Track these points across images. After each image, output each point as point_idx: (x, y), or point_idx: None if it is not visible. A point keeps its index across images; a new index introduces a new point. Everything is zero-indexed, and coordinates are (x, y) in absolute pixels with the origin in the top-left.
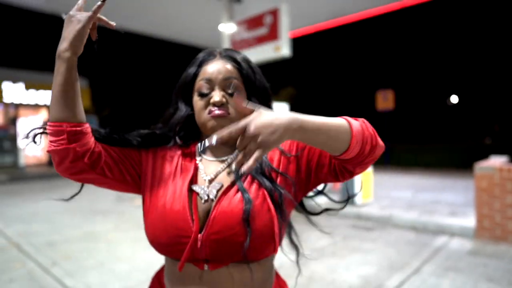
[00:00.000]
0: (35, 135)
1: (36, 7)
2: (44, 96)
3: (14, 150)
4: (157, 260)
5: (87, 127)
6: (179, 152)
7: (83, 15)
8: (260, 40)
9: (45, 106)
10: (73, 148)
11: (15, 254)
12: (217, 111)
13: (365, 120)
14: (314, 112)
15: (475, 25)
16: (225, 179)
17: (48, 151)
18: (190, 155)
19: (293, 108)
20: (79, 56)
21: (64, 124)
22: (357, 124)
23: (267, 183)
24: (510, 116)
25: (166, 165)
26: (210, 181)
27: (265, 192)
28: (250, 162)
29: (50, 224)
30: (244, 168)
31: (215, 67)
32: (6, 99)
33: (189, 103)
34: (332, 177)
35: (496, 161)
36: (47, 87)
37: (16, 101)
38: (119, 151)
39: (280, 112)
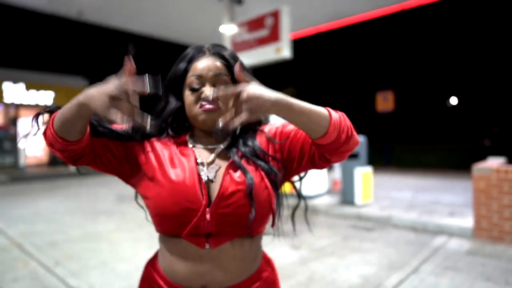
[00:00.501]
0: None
1: (37, 7)
2: (44, 97)
3: (14, 150)
4: None
5: (87, 135)
6: (172, 141)
7: (126, 88)
8: (261, 41)
9: (45, 106)
10: (74, 150)
11: (17, 254)
12: (207, 106)
13: (344, 114)
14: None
15: (475, 27)
16: (221, 163)
17: (47, 145)
18: (183, 144)
19: None
20: (78, 57)
21: (69, 142)
22: (336, 114)
23: (263, 164)
24: (510, 118)
25: (165, 150)
26: (209, 164)
27: (262, 173)
28: (236, 121)
29: (52, 224)
30: (231, 124)
31: (205, 64)
32: (7, 99)
33: (179, 97)
34: (310, 165)
35: (494, 162)
36: (47, 87)
37: (17, 102)
38: (119, 144)
39: (272, 91)
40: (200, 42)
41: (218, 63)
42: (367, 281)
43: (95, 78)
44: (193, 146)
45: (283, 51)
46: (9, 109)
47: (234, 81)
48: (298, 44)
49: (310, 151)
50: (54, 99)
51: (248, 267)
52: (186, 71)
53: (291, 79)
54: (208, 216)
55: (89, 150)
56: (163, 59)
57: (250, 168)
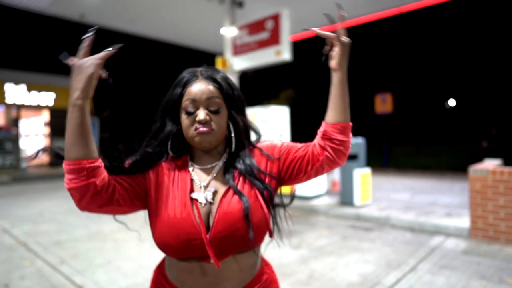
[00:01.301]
0: (38, 152)
1: (38, 9)
2: (45, 98)
3: (16, 151)
4: None
5: (101, 161)
6: (173, 165)
7: (91, 63)
8: (262, 44)
9: (46, 107)
10: (93, 183)
11: (23, 253)
12: (201, 129)
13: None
14: (314, 114)
15: (473, 30)
16: (217, 184)
17: (68, 189)
18: (183, 166)
19: (293, 110)
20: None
21: (83, 161)
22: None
23: (258, 183)
24: (508, 119)
25: (165, 179)
26: (205, 187)
27: (257, 192)
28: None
29: (56, 224)
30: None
31: (198, 88)
32: (8, 100)
33: (176, 120)
34: (305, 179)
35: (490, 164)
36: (49, 88)
37: (18, 102)
38: (127, 178)
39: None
40: (201, 45)
41: (210, 87)
42: (365, 279)
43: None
44: (192, 169)
45: (283, 54)
46: (10, 110)
47: (227, 102)
48: (297, 46)
49: (306, 169)
50: (55, 100)
51: (249, 273)
52: (181, 95)
53: (290, 80)
54: (207, 242)
55: (112, 185)
56: (165, 61)
57: (246, 188)
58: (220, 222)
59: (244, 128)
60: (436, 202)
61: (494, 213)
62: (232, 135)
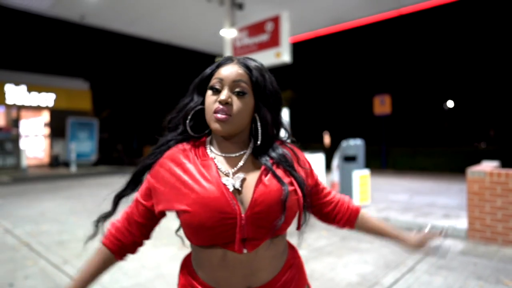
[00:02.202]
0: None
1: (39, 10)
2: (45, 98)
3: (16, 151)
4: (165, 259)
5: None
6: (190, 147)
7: None
8: (261, 46)
9: (46, 108)
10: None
11: (26, 253)
12: (219, 115)
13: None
14: (313, 115)
15: (471, 32)
16: (245, 172)
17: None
18: (203, 150)
19: (292, 111)
20: (80, 60)
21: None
22: None
23: (298, 175)
24: (506, 121)
25: (186, 167)
26: (234, 174)
27: (293, 180)
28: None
29: (58, 224)
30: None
31: (228, 70)
32: (9, 101)
33: (202, 98)
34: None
35: (488, 165)
36: (48, 89)
37: (18, 103)
38: (142, 217)
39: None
40: (201, 46)
41: (240, 70)
42: (364, 280)
43: (96, 80)
44: (214, 156)
45: (283, 55)
46: (10, 110)
47: (255, 91)
48: (297, 47)
49: (316, 209)
50: (55, 101)
51: (281, 259)
52: (211, 74)
53: (290, 81)
54: (243, 222)
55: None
56: (164, 62)
57: (281, 174)
58: (258, 201)
59: (272, 123)
60: (434, 203)
61: (492, 214)
62: (259, 127)
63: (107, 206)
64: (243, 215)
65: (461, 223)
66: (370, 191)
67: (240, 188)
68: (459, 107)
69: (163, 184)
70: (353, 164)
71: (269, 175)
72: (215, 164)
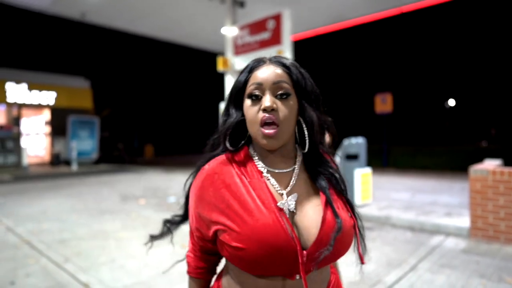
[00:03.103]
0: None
1: (40, 8)
2: (46, 97)
3: (17, 149)
4: (167, 257)
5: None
6: (234, 163)
7: None
8: (263, 44)
9: (47, 106)
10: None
11: (27, 251)
12: (267, 130)
13: None
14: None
15: (473, 31)
16: (298, 190)
17: None
18: (249, 165)
19: None
20: (81, 58)
21: None
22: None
23: (347, 195)
24: (507, 120)
25: (235, 188)
26: (287, 194)
27: (345, 203)
28: None
29: (59, 222)
30: None
31: (265, 72)
32: (9, 99)
33: (240, 109)
34: None
35: (490, 164)
36: (49, 87)
37: (19, 101)
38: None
39: None
40: (202, 44)
41: (278, 70)
42: (366, 278)
43: (97, 79)
44: (266, 171)
45: (285, 53)
46: (11, 109)
47: (296, 89)
48: (298, 45)
49: None
50: (56, 99)
51: (326, 280)
52: (246, 81)
53: None
54: (304, 259)
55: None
56: (165, 60)
57: (339, 204)
58: (321, 242)
59: (319, 125)
60: (436, 202)
61: (494, 213)
62: (305, 131)
63: (108, 205)
64: (304, 252)
65: (464, 221)
66: (371, 190)
67: (294, 211)
68: (460, 106)
69: (208, 210)
70: (355, 162)
71: (334, 200)
72: (266, 184)
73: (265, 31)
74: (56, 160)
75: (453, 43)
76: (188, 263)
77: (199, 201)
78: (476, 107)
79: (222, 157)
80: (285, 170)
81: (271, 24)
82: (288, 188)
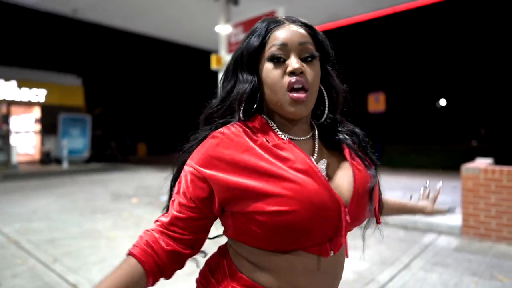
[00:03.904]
0: None
1: (30, 4)
2: (36, 94)
3: (6, 148)
4: None
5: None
6: (248, 131)
7: None
8: None
9: (37, 103)
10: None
11: (15, 251)
12: (296, 94)
13: None
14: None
15: (464, 31)
16: (321, 156)
17: None
18: (270, 134)
19: None
20: (74, 55)
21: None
22: None
23: (370, 153)
24: (496, 120)
25: (259, 152)
26: (316, 160)
27: (369, 160)
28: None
29: (49, 221)
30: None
31: (289, 32)
32: None
33: (252, 74)
34: None
35: (482, 162)
36: (40, 85)
37: (9, 99)
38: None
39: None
40: (195, 42)
41: (302, 30)
42: (360, 276)
43: (89, 76)
44: (286, 137)
45: None
46: (1, 106)
47: (320, 52)
48: None
49: None
50: (46, 96)
51: (342, 268)
52: (262, 43)
53: None
54: (348, 218)
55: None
56: (158, 58)
57: (360, 164)
58: (360, 191)
59: (340, 92)
60: None
61: (486, 211)
62: (326, 99)
63: (99, 204)
64: (346, 209)
65: (455, 219)
66: None
67: (326, 177)
68: (451, 106)
69: (227, 172)
70: None
71: (355, 158)
72: (296, 146)
73: None
74: (47, 158)
75: (445, 44)
76: (140, 239)
77: (210, 163)
78: (467, 107)
79: (234, 124)
80: (304, 138)
81: None
82: (315, 155)
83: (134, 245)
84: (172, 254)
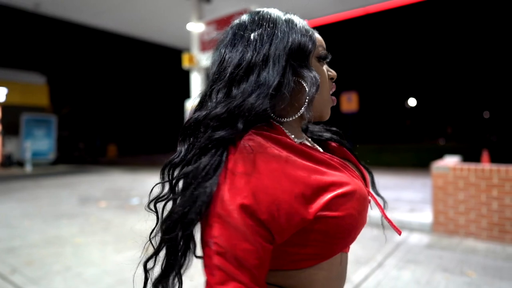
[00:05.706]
0: None
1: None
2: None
3: None
4: (129, 263)
5: None
6: (266, 138)
7: None
8: None
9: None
10: None
11: None
12: (334, 98)
13: None
14: None
15: (434, 33)
16: None
17: None
18: (285, 140)
19: None
20: (37, 51)
21: None
22: None
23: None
24: (462, 119)
25: (300, 153)
26: None
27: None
28: None
29: (8, 229)
30: None
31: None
32: None
33: (295, 74)
34: None
35: (450, 160)
36: (0, 83)
37: None
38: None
39: None
40: (167, 40)
41: None
42: None
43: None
44: (301, 143)
45: None
46: None
47: None
48: None
49: None
50: (7, 95)
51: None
52: (314, 42)
53: None
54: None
55: None
56: (128, 56)
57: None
58: (367, 183)
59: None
60: (399, 198)
61: (454, 208)
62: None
63: (65, 209)
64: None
65: (426, 217)
66: None
67: None
68: (420, 105)
69: (307, 174)
70: None
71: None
72: (317, 149)
73: None
74: (8, 161)
75: (414, 45)
76: None
77: (284, 173)
78: (434, 107)
79: (251, 136)
80: (304, 140)
81: None
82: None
83: None
84: None
